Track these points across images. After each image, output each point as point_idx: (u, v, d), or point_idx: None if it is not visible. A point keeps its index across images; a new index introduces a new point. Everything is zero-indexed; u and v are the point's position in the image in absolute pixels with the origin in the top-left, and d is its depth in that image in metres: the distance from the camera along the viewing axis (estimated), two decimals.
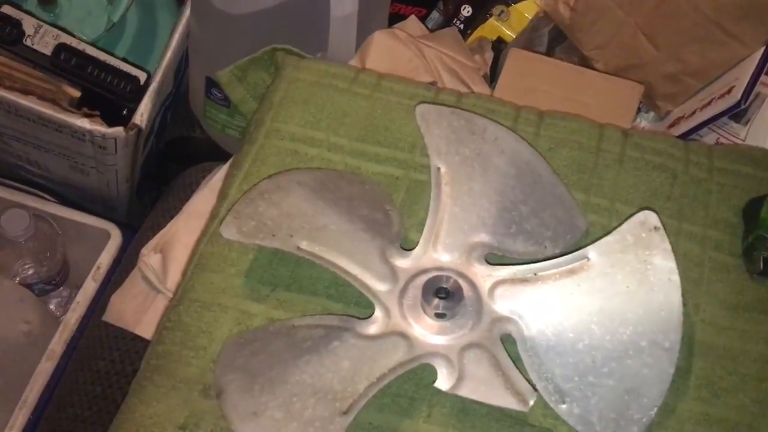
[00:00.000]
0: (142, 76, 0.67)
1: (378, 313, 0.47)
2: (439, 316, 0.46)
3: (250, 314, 0.49)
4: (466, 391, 0.43)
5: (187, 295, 0.50)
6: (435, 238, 0.50)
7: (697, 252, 0.52)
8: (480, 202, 0.51)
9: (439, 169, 0.52)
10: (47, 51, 0.64)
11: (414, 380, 0.46)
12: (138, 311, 0.66)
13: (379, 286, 0.48)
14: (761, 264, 0.50)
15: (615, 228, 0.49)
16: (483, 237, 0.50)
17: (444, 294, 0.46)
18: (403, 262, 0.49)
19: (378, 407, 0.45)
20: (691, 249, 0.53)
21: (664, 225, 0.53)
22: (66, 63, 0.64)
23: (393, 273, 0.48)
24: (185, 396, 0.45)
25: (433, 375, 0.46)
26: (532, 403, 0.43)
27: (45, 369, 0.71)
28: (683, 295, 0.50)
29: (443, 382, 0.44)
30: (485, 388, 0.43)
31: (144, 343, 0.62)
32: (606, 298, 0.46)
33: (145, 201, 0.89)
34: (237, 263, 0.51)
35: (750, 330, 0.49)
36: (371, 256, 0.48)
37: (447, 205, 0.51)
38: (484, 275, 0.48)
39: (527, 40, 0.78)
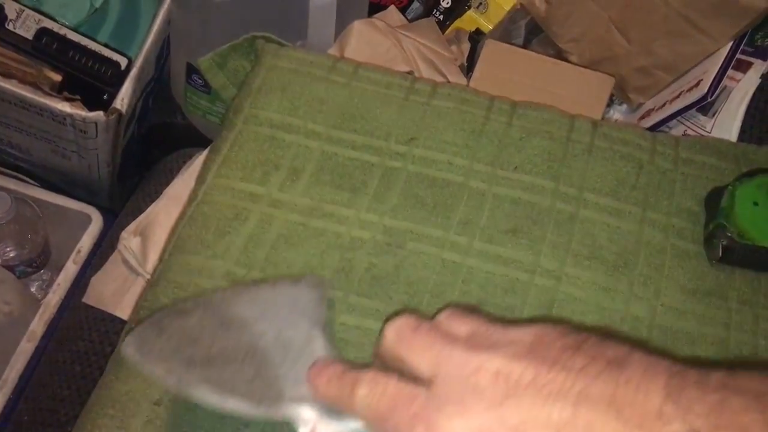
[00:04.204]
0: (123, 62, 0.68)
1: None
2: None
3: None
4: None
5: (164, 276, 0.52)
6: None
7: (660, 239, 0.54)
8: None
9: None
10: (29, 35, 0.65)
11: None
12: (117, 293, 0.68)
13: None
14: (720, 251, 0.51)
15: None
16: None
17: None
18: None
19: None
20: (654, 236, 0.54)
21: (629, 212, 0.55)
22: (47, 47, 0.65)
23: None
24: None
25: None
26: None
27: (25, 349, 0.72)
28: (646, 282, 0.52)
29: None
30: None
31: (123, 324, 0.63)
32: None
33: (126, 186, 0.90)
34: (213, 246, 0.52)
35: (708, 314, 0.51)
36: None
37: None
38: None
39: (504, 32, 0.79)
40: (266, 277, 0.50)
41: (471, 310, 0.37)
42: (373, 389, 0.34)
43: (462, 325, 0.35)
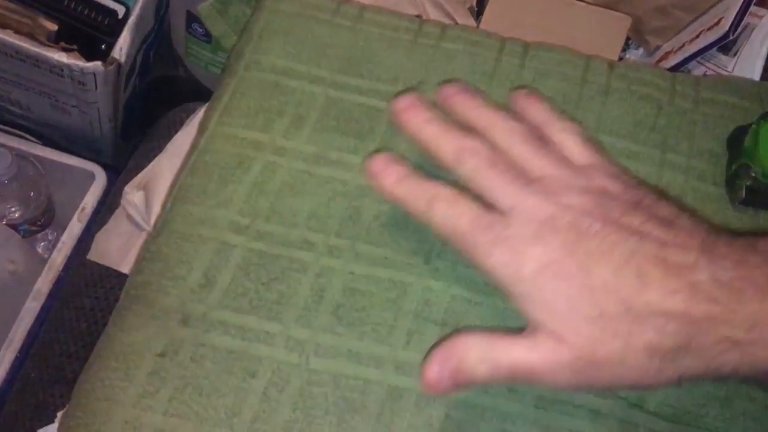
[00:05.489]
0: (121, 10, 0.65)
1: None
2: None
3: (230, 245, 0.49)
4: None
5: (167, 227, 0.50)
6: None
7: (681, 182, 0.52)
8: None
9: None
10: None
11: (393, 309, 0.47)
12: (122, 249, 0.66)
13: None
14: (743, 193, 0.49)
15: None
16: None
17: None
18: None
19: (358, 335, 0.45)
20: (674, 179, 0.52)
21: (647, 155, 0.53)
22: None
23: None
24: (164, 324, 0.46)
25: (411, 304, 0.46)
26: None
27: (31, 308, 0.71)
28: None
29: None
30: None
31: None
32: None
33: (131, 143, 0.88)
34: (216, 195, 0.51)
35: None
36: None
37: None
38: None
39: None
40: (270, 226, 0.49)
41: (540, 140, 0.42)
42: (452, 207, 0.39)
43: (537, 163, 0.40)
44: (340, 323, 0.46)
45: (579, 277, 0.35)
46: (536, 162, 0.40)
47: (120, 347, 0.45)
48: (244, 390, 0.43)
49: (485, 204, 0.39)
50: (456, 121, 0.43)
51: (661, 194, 0.39)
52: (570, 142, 0.42)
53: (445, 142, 0.41)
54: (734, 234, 0.37)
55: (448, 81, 0.47)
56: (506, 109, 0.44)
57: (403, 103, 0.43)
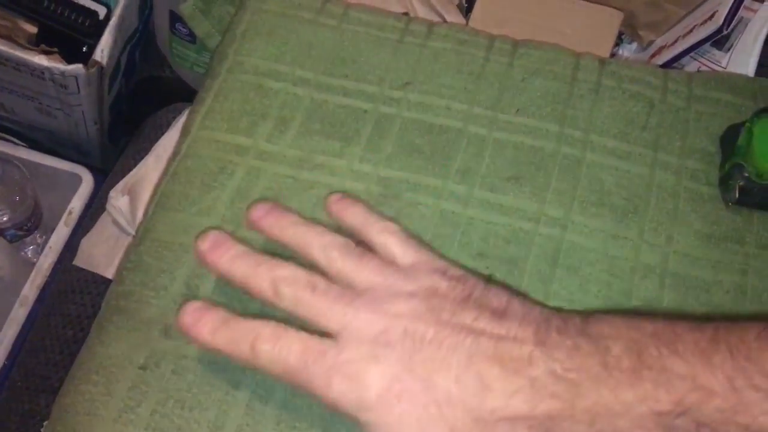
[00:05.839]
0: (102, 11, 0.64)
1: None
2: None
3: None
4: None
5: (148, 235, 0.49)
6: None
7: (673, 182, 0.51)
8: None
9: None
10: None
11: None
12: (108, 254, 0.65)
13: None
14: (737, 193, 0.48)
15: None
16: None
17: None
18: None
19: None
20: (666, 179, 0.51)
21: (639, 155, 0.52)
22: None
23: None
24: (145, 336, 0.44)
25: None
26: None
27: (18, 315, 0.70)
28: (657, 228, 0.49)
29: None
30: None
31: None
32: None
33: (119, 145, 0.87)
34: (199, 201, 0.50)
35: (724, 260, 0.48)
36: None
37: None
38: None
39: None
40: (254, 234, 0.48)
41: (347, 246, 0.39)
42: (277, 344, 0.36)
43: (360, 275, 0.38)
44: None
45: (423, 393, 0.33)
46: (359, 274, 0.38)
47: (100, 360, 0.44)
48: (227, 403, 0.42)
49: (316, 332, 0.36)
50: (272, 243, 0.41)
51: (489, 282, 0.38)
52: (391, 243, 0.40)
53: (258, 277, 0.38)
54: (566, 314, 0.36)
55: (257, 201, 0.45)
56: (319, 222, 0.42)
57: (207, 243, 0.41)
